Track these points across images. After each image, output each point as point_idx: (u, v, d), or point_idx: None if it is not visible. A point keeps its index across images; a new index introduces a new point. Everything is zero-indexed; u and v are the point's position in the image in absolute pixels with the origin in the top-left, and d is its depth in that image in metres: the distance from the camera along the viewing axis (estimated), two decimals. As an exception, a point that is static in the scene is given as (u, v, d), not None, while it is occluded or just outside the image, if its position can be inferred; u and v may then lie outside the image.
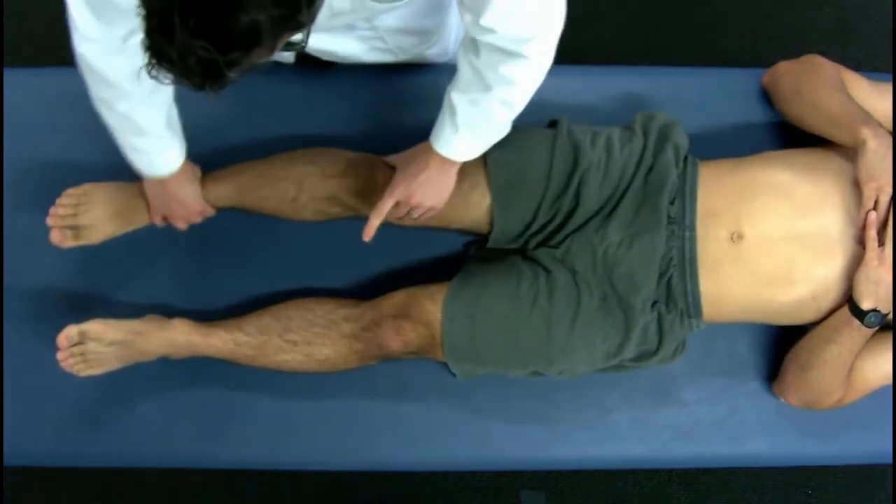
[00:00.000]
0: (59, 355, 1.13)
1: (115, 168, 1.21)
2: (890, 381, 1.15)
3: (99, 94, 1.00)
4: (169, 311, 1.22)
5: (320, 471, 1.48)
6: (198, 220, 1.20)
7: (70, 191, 1.17)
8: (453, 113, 1.00)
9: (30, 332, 1.23)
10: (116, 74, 0.96)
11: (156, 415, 1.22)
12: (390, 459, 1.24)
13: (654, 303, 1.13)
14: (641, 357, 1.15)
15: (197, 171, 1.18)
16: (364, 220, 1.16)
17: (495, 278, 1.14)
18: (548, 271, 1.14)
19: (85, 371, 1.15)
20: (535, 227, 1.16)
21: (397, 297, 1.16)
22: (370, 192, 1.15)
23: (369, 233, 1.09)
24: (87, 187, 1.18)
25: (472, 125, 1.01)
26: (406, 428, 1.23)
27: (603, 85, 1.33)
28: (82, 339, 1.14)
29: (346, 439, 1.23)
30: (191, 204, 1.16)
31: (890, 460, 1.26)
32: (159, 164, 1.09)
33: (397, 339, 1.13)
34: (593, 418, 1.25)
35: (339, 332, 1.15)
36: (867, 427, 1.25)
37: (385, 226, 1.22)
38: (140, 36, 0.63)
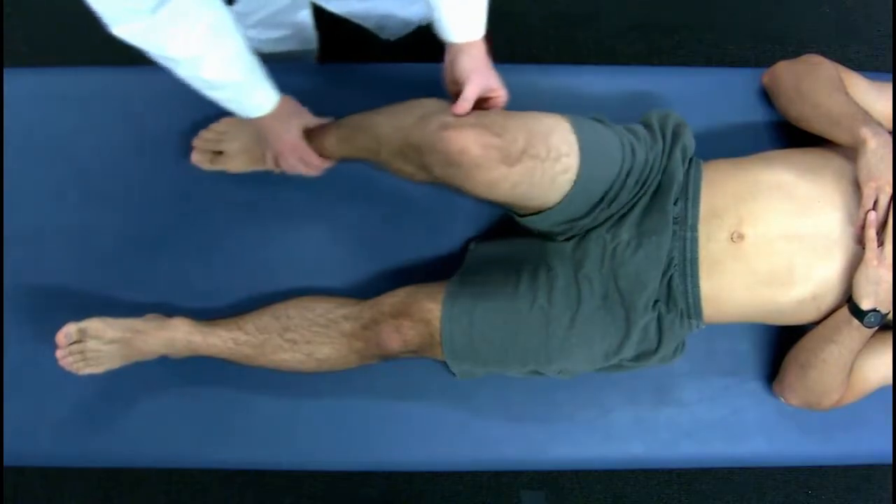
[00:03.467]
0: (59, 353, 1.14)
1: (114, 168, 1.22)
2: (890, 381, 1.15)
3: (159, 62, 0.95)
4: (169, 311, 1.22)
5: (320, 471, 1.48)
6: (311, 162, 1.16)
7: (215, 125, 1.26)
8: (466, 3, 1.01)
9: (30, 332, 1.24)
10: (160, 49, 0.91)
11: (156, 415, 1.22)
12: (390, 459, 1.24)
13: (655, 302, 1.13)
14: (641, 356, 1.15)
15: (300, 111, 1.16)
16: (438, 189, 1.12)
17: (495, 277, 1.14)
18: (549, 269, 1.14)
19: (84, 369, 1.15)
20: (587, 220, 1.13)
21: (397, 296, 1.16)
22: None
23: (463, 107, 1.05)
24: (231, 121, 1.25)
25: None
26: (406, 428, 1.23)
27: (603, 85, 1.33)
28: (81, 337, 1.14)
29: (346, 439, 1.23)
30: (291, 140, 1.13)
31: (890, 460, 1.26)
32: (249, 107, 1.07)
33: (397, 337, 1.13)
34: (593, 418, 1.25)
35: (338, 330, 1.15)
36: (867, 427, 1.25)
37: (384, 225, 1.22)
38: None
